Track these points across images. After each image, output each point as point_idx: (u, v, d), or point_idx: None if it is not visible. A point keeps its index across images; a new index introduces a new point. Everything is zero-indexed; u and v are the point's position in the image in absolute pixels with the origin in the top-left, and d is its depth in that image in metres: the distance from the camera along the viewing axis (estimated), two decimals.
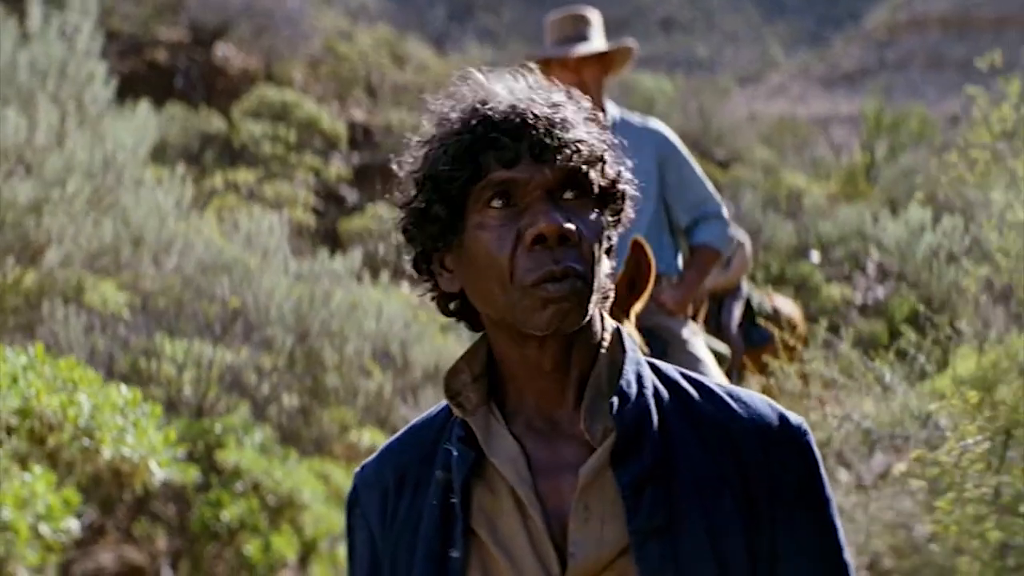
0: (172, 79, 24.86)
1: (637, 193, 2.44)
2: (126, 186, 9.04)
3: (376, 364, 12.21)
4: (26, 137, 8.44)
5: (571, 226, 2.23)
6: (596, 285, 2.28)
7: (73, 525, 6.12)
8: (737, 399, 2.37)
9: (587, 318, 2.29)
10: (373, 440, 11.54)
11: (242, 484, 9.19)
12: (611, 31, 6.91)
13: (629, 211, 2.42)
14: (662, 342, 5.74)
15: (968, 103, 7.36)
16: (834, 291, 22.60)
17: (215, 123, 23.36)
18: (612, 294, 2.43)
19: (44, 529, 5.74)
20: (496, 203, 2.27)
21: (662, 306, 6.16)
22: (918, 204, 12.06)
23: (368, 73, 30.22)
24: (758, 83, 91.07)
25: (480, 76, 2.38)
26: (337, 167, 24.77)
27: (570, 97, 2.38)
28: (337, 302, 11.30)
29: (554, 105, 2.30)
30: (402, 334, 11.99)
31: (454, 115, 2.29)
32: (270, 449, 9.85)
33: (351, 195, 24.76)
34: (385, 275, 14.02)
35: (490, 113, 2.26)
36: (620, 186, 2.38)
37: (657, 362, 2.45)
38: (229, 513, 8.94)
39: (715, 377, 5.54)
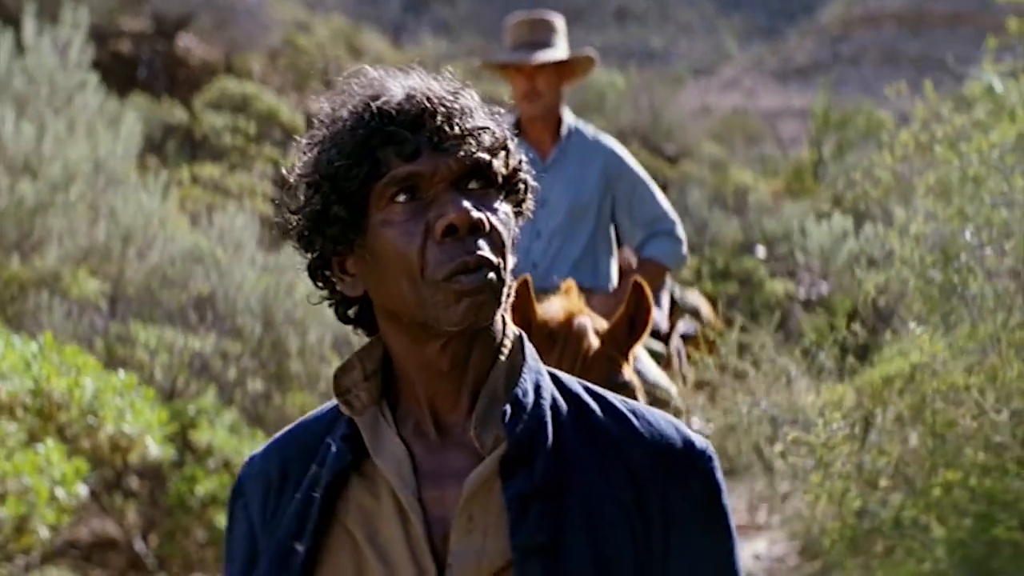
0: (135, 69, 25.45)
1: (534, 183, 2.38)
2: (115, 188, 9.89)
3: (335, 352, 13.04)
4: (34, 146, 9.28)
5: (481, 215, 2.19)
6: (508, 277, 2.24)
7: (83, 490, 7.00)
8: (640, 417, 2.30)
9: (499, 312, 2.26)
10: None
11: (214, 461, 10.00)
12: (566, 22, 6.75)
13: (530, 202, 2.37)
14: None
15: (923, 98, 8.15)
16: (778, 286, 22.95)
17: (177, 114, 23.98)
18: (512, 293, 2.35)
19: (60, 493, 6.63)
20: (401, 198, 2.20)
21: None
22: (840, 213, 12.93)
23: (326, 65, 30.90)
24: (711, 75, 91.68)
25: (371, 72, 2.32)
26: (295, 158, 25.47)
27: (466, 86, 2.31)
28: (301, 293, 12.16)
29: (452, 93, 2.25)
30: None
31: (345, 112, 2.24)
32: (239, 430, 10.67)
33: None
34: None
35: (384, 106, 2.21)
36: (521, 175, 2.33)
37: (559, 373, 2.39)
38: (203, 488, 9.77)
39: (652, 371, 5.84)
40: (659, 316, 6.84)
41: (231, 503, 2.43)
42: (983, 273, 7.12)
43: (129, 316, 11.78)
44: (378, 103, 2.20)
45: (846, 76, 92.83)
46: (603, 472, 2.24)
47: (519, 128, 6.51)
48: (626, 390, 4.36)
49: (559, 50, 6.57)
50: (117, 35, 26.48)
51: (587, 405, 2.32)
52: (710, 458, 2.29)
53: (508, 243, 2.23)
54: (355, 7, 44.42)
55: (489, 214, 2.21)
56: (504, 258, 2.21)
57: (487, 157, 2.22)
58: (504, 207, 2.27)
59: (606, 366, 4.51)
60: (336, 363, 13.43)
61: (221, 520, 9.64)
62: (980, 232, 7.08)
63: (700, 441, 2.29)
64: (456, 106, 2.22)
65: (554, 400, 2.30)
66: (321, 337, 12.57)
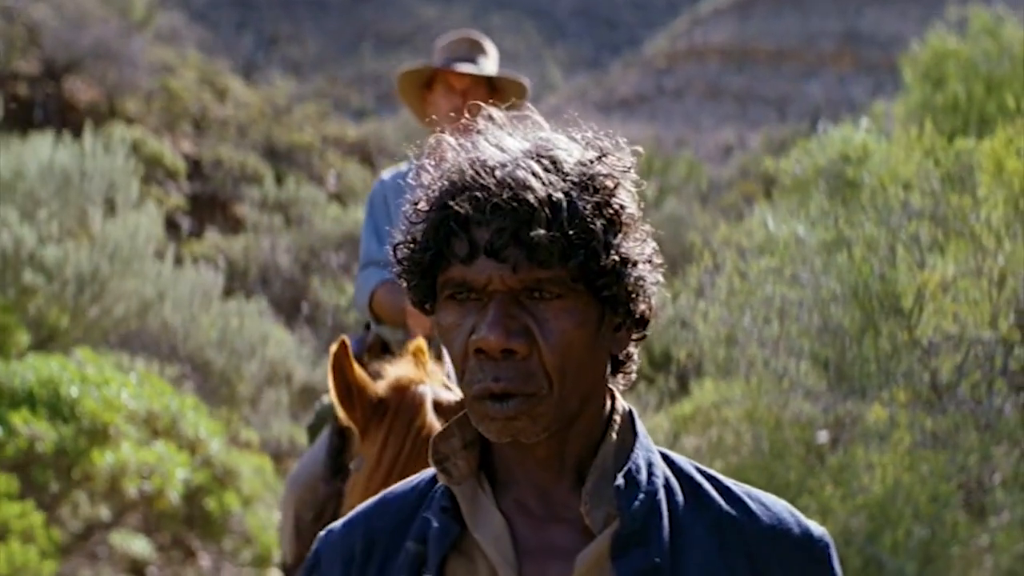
0: (32, 111, 28.10)
1: (646, 273, 2.24)
2: (142, 257, 14.13)
3: (269, 383, 17.20)
4: (102, 226, 13.53)
5: (517, 343, 2.14)
6: (563, 393, 2.17)
7: (187, 473, 11.16)
8: (757, 500, 2.30)
9: (552, 428, 2.20)
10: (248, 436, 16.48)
11: (200, 458, 14.04)
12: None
13: (642, 303, 2.25)
14: None
15: (744, 134, 12.54)
16: None
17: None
18: (630, 372, 2.38)
19: (181, 474, 10.80)
20: (456, 296, 2.19)
21: None
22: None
23: (194, 108, 34.45)
24: (536, 104, 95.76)
25: (482, 130, 2.29)
26: (175, 198, 29.06)
27: (595, 158, 2.23)
28: (248, 333, 16.36)
29: (538, 183, 2.13)
30: (291, 357, 17.08)
31: (436, 183, 2.22)
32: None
33: (185, 223, 29.03)
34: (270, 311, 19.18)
35: (457, 196, 2.15)
36: (623, 272, 2.20)
37: (670, 453, 2.36)
38: (195, 479, 13.80)
39: None
40: None
41: (306, 575, 2.43)
42: (757, 345, 11.61)
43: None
44: (457, 186, 2.17)
45: (670, 109, 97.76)
46: (721, 554, 2.24)
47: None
48: None
49: (490, 69, 6.33)
50: (14, 78, 29.35)
51: (701, 486, 2.30)
52: (827, 545, 2.32)
53: (570, 357, 2.17)
54: (209, 44, 47.52)
55: (541, 333, 2.16)
56: (550, 377, 2.17)
57: (549, 274, 2.13)
58: (579, 312, 2.18)
59: None
60: (270, 392, 17.67)
61: (209, 501, 13.49)
62: (756, 319, 11.53)
63: (817, 529, 2.31)
64: (532, 203, 2.11)
65: (667, 480, 2.28)
66: (260, 368, 16.75)
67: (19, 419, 10.12)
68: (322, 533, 2.45)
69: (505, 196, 2.12)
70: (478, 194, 2.14)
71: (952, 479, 9.33)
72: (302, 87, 50.78)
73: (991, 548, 9.34)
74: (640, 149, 2.31)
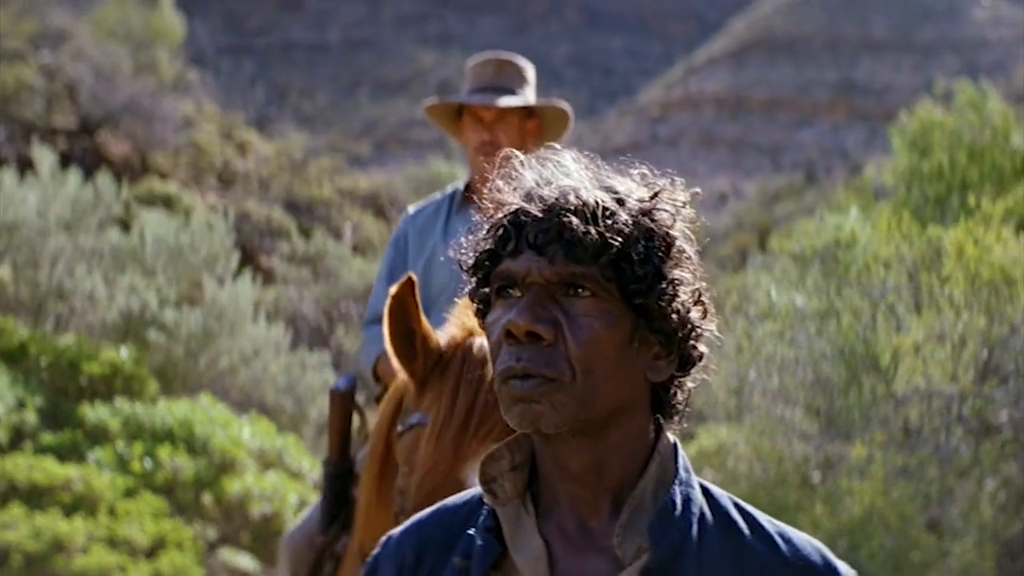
0: (69, 166, 30.28)
1: (688, 301, 2.35)
2: (244, 318, 16.95)
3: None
4: (212, 296, 16.34)
5: (542, 327, 2.27)
6: (587, 388, 2.29)
7: (293, 498, 13.84)
8: (787, 539, 2.39)
9: (576, 422, 2.30)
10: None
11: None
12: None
13: (686, 315, 2.35)
14: None
15: (738, 183, 14.85)
16: None
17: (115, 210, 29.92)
18: (676, 411, 2.43)
19: (292, 498, 13.49)
20: (502, 293, 2.36)
21: None
22: None
23: (218, 162, 36.39)
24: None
25: (548, 157, 2.43)
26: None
27: (652, 195, 2.38)
28: (308, 380, 19.06)
29: (587, 193, 2.31)
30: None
31: (504, 196, 2.39)
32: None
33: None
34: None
35: (519, 203, 2.34)
36: (657, 286, 2.31)
37: (710, 487, 2.45)
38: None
39: None
40: None
41: None
42: (760, 395, 14.27)
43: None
44: (517, 195, 2.36)
45: (664, 157, 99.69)
46: None
47: (470, 191, 5.87)
48: None
49: (526, 97, 5.95)
50: (52, 133, 31.09)
51: (736, 523, 2.39)
52: None
53: (598, 354, 2.30)
54: (223, 97, 49.36)
55: (569, 325, 2.30)
56: (575, 369, 2.28)
57: (583, 269, 2.28)
58: (613, 316, 2.31)
59: None
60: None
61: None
62: (760, 374, 14.19)
63: (844, 568, 2.40)
64: (573, 206, 2.29)
65: (702, 515, 2.38)
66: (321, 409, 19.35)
67: (164, 453, 12.90)
68: (383, 539, 2.60)
69: (555, 197, 2.31)
70: (534, 198, 2.33)
71: (917, 504, 11.86)
72: (314, 139, 52.70)
73: (952, 562, 11.83)
74: (698, 190, 2.45)
